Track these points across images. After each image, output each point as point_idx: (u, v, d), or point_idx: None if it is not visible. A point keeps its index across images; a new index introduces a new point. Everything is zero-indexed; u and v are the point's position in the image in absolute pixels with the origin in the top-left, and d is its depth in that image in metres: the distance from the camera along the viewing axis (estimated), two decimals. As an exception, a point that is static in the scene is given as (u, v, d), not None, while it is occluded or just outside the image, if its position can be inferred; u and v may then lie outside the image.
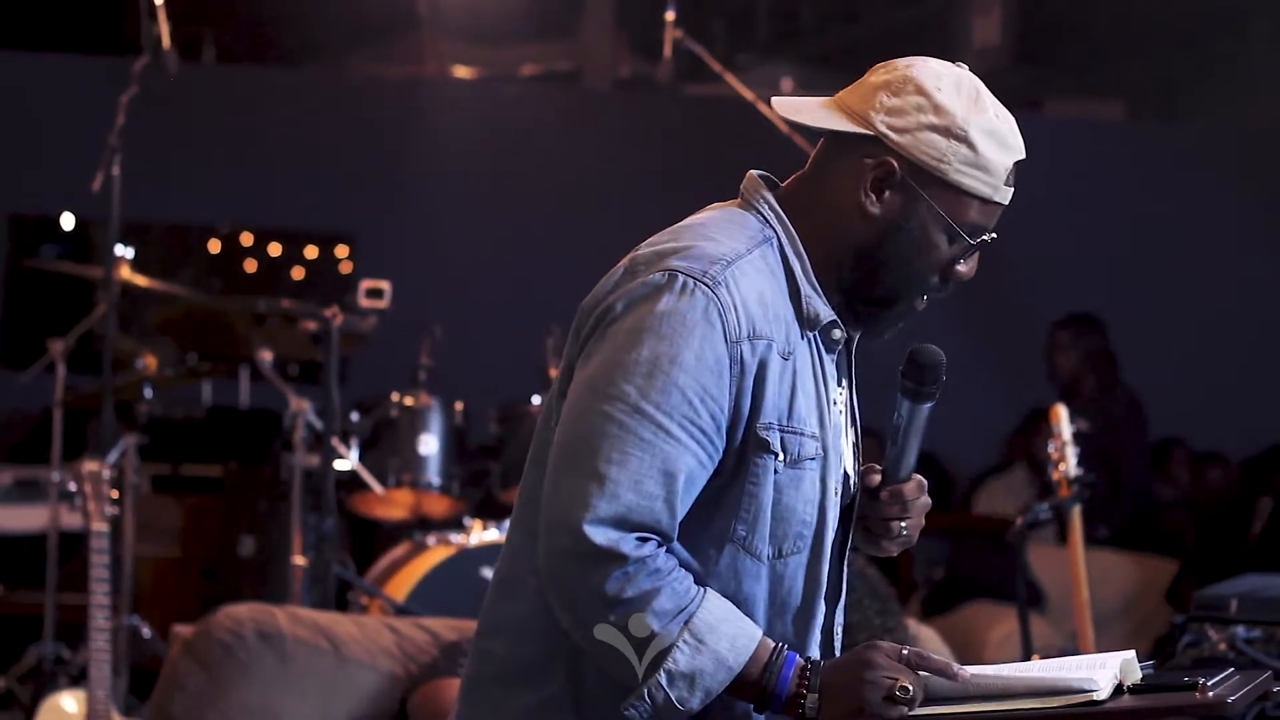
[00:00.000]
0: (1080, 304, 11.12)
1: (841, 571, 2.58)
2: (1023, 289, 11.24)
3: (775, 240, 2.43)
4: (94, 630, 5.26)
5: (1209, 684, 2.26)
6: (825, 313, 2.43)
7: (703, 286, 2.31)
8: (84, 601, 5.36)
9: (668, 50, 6.56)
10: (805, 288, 2.41)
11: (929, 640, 5.16)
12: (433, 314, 6.89)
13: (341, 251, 11.14)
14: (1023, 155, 2.43)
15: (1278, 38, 10.84)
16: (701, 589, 2.31)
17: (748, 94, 6.38)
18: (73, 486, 5.49)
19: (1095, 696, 2.23)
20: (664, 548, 2.30)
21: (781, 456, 2.36)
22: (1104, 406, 7.51)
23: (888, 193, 2.40)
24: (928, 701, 2.28)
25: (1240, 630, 3.80)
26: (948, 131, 2.37)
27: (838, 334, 2.45)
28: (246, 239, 11.11)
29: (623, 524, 2.26)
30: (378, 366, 8.24)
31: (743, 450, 2.35)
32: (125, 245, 6.54)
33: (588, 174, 10.32)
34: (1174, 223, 11.21)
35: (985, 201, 2.41)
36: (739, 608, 2.34)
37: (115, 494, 5.57)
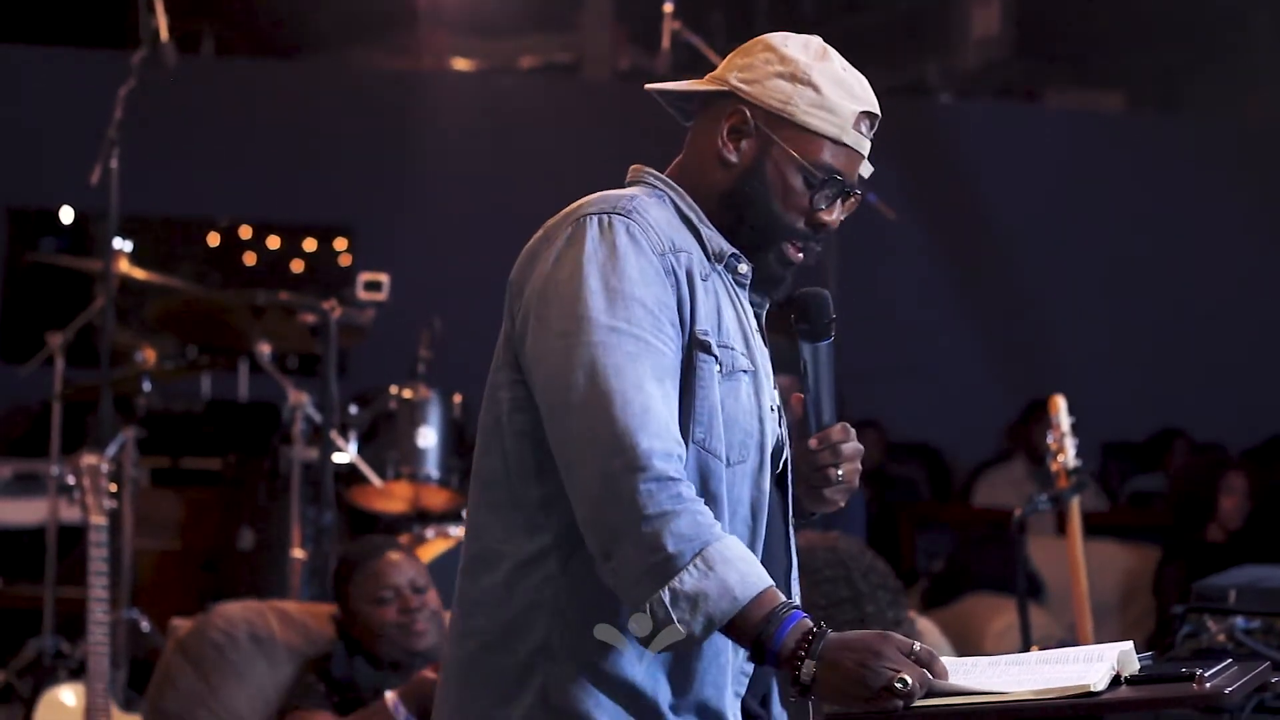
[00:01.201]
0: (1080, 295, 11.13)
1: (789, 540, 2.66)
2: (1021, 281, 11.24)
3: (667, 196, 2.59)
4: (93, 624, 5.26)
5: (1206, 675, 2.25)
6: (727, 246, 2.57)
7: (617, 216, 2.48)
8: (83, 595, 5.35)
9: (666, 42, 6.55)
10: (703, 228, 2.57)
11: (929, 632, 5.15)
12: (431, 306, 6.89)
13: (340, 244, 11.14)
14: (874, 109, 2.59)
15: (1278, 30, 10.83)
16: (726, 533, 2.36)
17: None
18: (72, 480, 5.48)
19: (1092, 688, 2.23)
20: (685, 475, 2.37)
21: (719, 368, 2.48)
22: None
23: (744, 141, 2.58)
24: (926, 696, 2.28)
25: (1239, 621, 3.80)
26: (793, 77, 2.55)
27: (744, 267, 2.58)
28: (245, 232, 11.11)
29: (645, 429, 2.35)
30: (376, 359, 8.25)
31: (688, 354, 2.46)
32: (124, 238, 6.53)
33: (587, 166, 10.26)
34: (1174, 214, 11.21)
35: (836, 144, 2.55)
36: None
37: (114, 487, 5.56)
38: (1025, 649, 4.75)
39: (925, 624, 5.12)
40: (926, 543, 8.64)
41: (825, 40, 2.64)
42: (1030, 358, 10.87)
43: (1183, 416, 10.09)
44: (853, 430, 2.61)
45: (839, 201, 2.58)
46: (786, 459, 2.64)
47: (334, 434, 5.95)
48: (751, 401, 2.52)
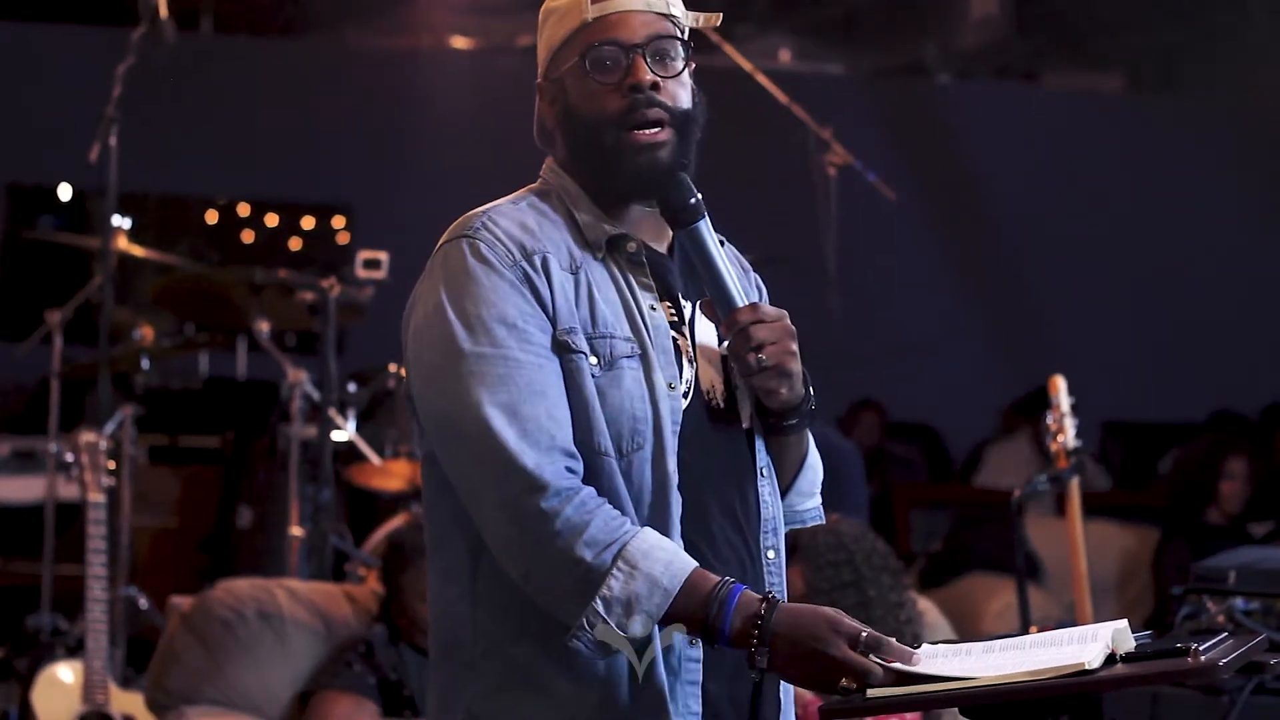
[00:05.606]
0: (1079, 275, 11.14)
1: (757, 497, 2.58)
2: (1020, 261, 11.24)
3: (553, 189, 2.60)
4: (91, 601, 5.26)
5: (1200, 649, 2.25)
6: (608, 228, 2.55)
7: (464, 239, 2.52)
8: (81, 572, 5.36)
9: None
10: (583, 216, 2.56)
11: (927, 612, 5.14)
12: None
13: (338, 222, 11.14)
14: None
15: (1276, 11, 10.82)
16: (637, 526, 2.37)
17: (746, 65, 6.36)
18: (70, 457, 5.49)
19: (1086, 666, 2.22)
20: (585, 485, 2.38)
21: (595, 360, 2.46)
22: None
23: (550, 103, 2.61)
24: (914, 679, 2.27)
25: (1239, 602, 3.80)
26: (540, 32, 2.63)
27: (632, 246, 2.55)
28: (243, 209, 11.11)
29: (534, 447, 2.36)
30: (375, 337, 8.21)
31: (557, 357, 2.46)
32: (122, 216, 6.53)
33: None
34: (1172, 195, 11.21)
35: (585, 27, 2.56)
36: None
37: (112, 465, 5.57)
38: (1024, 629, 4.75)
39: (925, 604, 5.12)
40: (924, 522, 8.65)
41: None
42: (1029, 338, 10.87)
43: (1180, 396, 10.09)
44: (766, 309, 2.51)
45: (632, 59, 2.54)
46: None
47: (332, 412, 5.95)
48: (640, 386, 2.47)
